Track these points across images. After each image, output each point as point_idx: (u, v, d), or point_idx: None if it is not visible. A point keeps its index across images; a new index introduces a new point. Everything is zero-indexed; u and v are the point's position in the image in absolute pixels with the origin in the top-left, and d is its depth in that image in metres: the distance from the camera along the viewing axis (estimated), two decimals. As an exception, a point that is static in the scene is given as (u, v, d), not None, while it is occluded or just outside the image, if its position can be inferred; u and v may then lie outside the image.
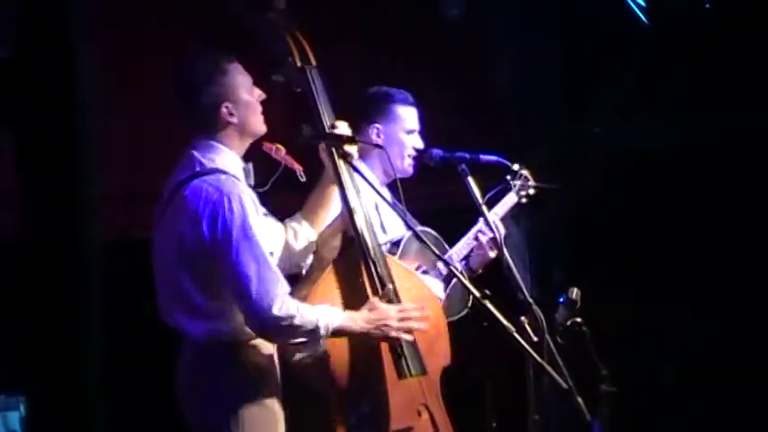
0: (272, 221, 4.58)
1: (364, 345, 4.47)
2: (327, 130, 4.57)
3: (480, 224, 5.27)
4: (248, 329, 4.29)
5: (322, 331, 4.26)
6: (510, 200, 5.46)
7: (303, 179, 4.64)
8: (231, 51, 4.45)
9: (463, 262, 5.34)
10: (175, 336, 4.39)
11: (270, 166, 4.62)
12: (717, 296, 6.71)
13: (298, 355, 4.36)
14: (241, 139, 4.39)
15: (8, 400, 6.12)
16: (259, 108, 4.42)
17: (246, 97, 4.38)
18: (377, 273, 4.51)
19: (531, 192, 5.50)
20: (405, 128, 5.36)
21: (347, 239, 4.58)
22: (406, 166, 5.30)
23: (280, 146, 4.62)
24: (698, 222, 6.72)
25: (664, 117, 6.78)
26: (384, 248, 4.67)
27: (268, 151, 4.62)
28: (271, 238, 4.49)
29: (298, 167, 4.64)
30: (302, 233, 4.62)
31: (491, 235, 5.19)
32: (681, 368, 6.79)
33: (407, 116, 5.38)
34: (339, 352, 4.44)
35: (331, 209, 4.66)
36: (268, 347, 4.36)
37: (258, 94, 4.42)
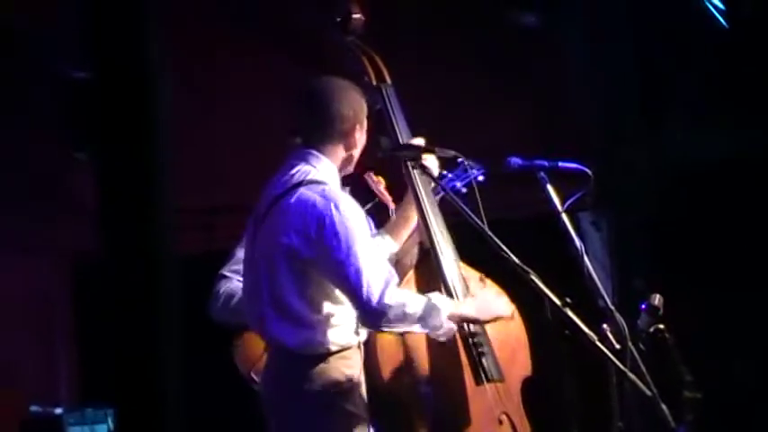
0: None
1: (443, 352, 4.53)
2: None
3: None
4: (342, 340, 4.38)
5: (433, 318, 4.33)
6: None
7: (393, 217, 4.71)
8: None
9: None
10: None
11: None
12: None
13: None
14: (345, 163, 4.51)
15: (96, 413, 6.21)
16: None
17: (366, 126, 4.50)
18: (453, 284, 4.57)
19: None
20: None
21: (423, 251, 4.63)
22: None
23: (381, 179, 4.70)
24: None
25: (743, 124, 6.70)
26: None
27: (369, 181, 4.70)
28: None
29: (392, 205, 4.73)
30: (384, 246, 4.68)
31: None
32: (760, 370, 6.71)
33: None
34: (419, 359, 4.51)
35: (412, 228, 4.72)
36: (357, 358, 4.43)
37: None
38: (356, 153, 4.51)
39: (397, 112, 4.73)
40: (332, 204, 4.32)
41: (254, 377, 4.88)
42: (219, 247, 6.19)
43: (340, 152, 4.47)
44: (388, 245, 4.68)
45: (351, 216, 4.33)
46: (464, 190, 4.75)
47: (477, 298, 4.56)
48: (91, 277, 6.48)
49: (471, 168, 4.65)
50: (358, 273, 4.27)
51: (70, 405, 6.43)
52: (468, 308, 4.51)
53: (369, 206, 4.87)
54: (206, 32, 6.47)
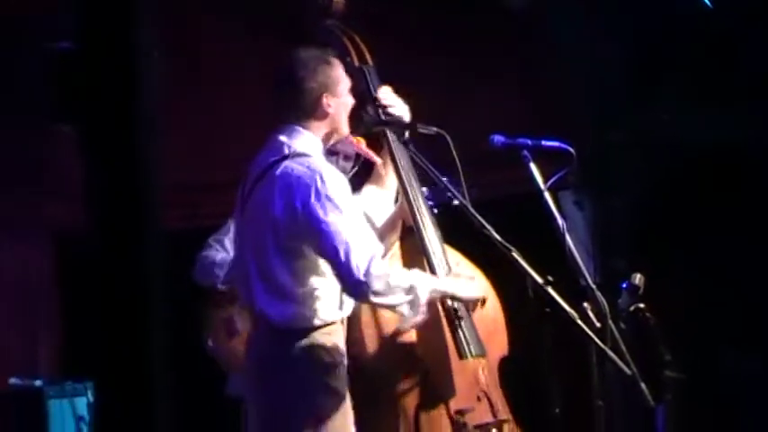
0: None
1: (428, 327, 4.57)
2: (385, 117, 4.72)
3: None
4: (325, 316, 4.40)
5: (419, 290, 4.37)
6: None
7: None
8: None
9: None
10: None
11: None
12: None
13: (401, 326, 4.50)
14: (328, 135, 4.54)
15: (76, 386, 6.21)
16: (349, 111, 4.57)
17: (344, 95, 4.54)
18: (436, 259, 4.62)
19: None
20: None
21: (406, 229, 4.67)
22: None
23: (360, 138, 4.75)
24: (764, 211, 6.67)
25: (731, 109, 6.71)
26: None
27: (349, 144, 4.74)
28: None
29: (377, 159, 4.76)
30: (372, 204, 4.77)
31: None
32: (746, 354, 6.74)
33: None
34: (404, 334, 4.56)
35: (385, 194, 4.82)
36: (340, 334, 4.46)
37: (351, 98, 4.58)
38: (338, 119, 4.52)
39: (378, 92, 4.76)
40: (317, 176, 4.35)
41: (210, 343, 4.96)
42: (202, 224, 6.21)
43: (316, 124, 4.50)
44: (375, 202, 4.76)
45: (336, 187, 4.36)
46: (435, 210, 4.80)
47: (458, 276, 4.60)
48: (74, 251, 6.47)
49: (448, 192, 4.66)
50: (344, 245, 4.29)
51: (50, 378, 6.43)
52: (449, 284, 4.56)
53: (356, 168, 4.93)
54: (193, 13, 6.47)
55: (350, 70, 4.73)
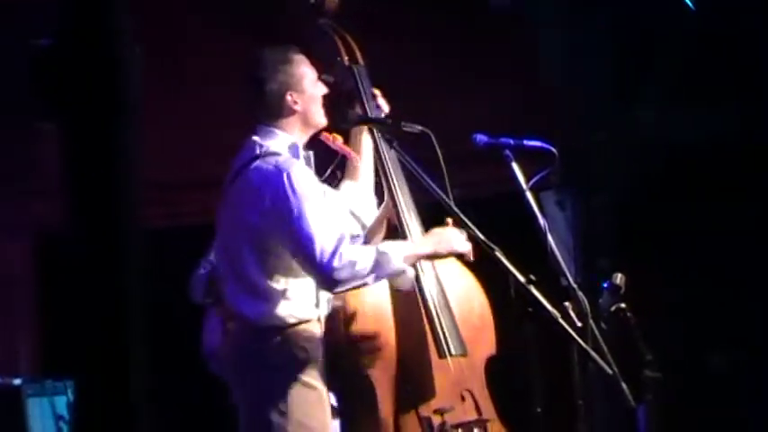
0: None
1: (408, 324, 4.59)
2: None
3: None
4: (300, 314, 4.44)
5: (393, 260, 4.38)
6: None
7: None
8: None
9: None
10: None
11: (322, 157, 4.75)
12: (764, 283, 6.67)
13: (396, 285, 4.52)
14: (302, 129, 4.59)
15: (56, 385, 6.19)
16: (320, 101, 4.60)
17: (311, 89, 4.58)
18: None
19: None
20: None
21: (390, 227, 4.68)
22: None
23: (337, 135, 4.77)
24: (745, 211, 6.68)
25: (715, 108, 6.73)
26: None
27: (326, 141, 4.78)
28: None
29: (354, 156, 4.77)
30: (348, 197, 4.81)
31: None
32: (727, 354, 6.76)
33: None
34: (385, 332, 4.56)
35: (363, 186, 4.85)
36: (316, 331, 4.48)
37: (321, 88, 4.60)
38: (309, 113, 4.56)
39: (368, 91, 4.83)
40: (284, 174, 4.39)
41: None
42: (182, 223, 6.21)
43: (286, 122, 4.55)
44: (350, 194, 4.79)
45: (302, 183, 4.40)
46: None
47: (433, 234, 4.56)
48: (53, 250, 6.45)
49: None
50: (310, 239, 4.34)
51: (30, 376, 6.40)
52: (423, 245, 4.55)
53: (335, 164, 4.94)
54: (178, 11, 6.47)
55: (340, 69, 4.80)
